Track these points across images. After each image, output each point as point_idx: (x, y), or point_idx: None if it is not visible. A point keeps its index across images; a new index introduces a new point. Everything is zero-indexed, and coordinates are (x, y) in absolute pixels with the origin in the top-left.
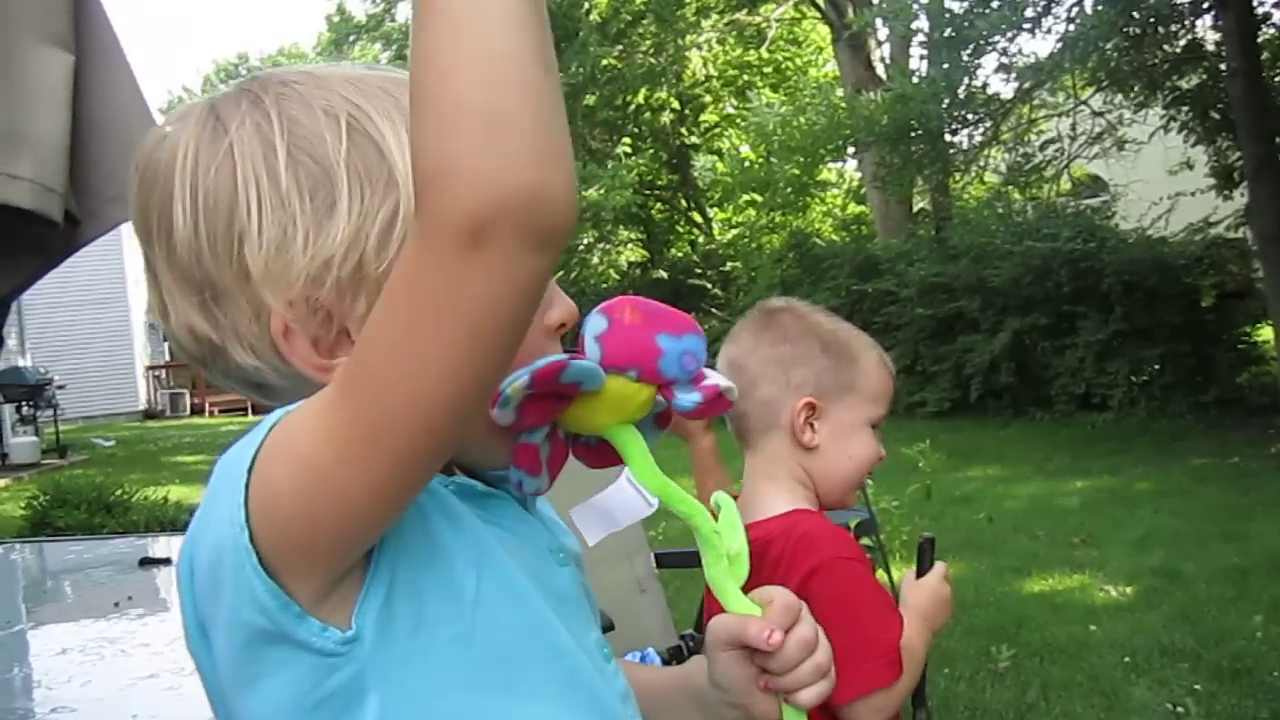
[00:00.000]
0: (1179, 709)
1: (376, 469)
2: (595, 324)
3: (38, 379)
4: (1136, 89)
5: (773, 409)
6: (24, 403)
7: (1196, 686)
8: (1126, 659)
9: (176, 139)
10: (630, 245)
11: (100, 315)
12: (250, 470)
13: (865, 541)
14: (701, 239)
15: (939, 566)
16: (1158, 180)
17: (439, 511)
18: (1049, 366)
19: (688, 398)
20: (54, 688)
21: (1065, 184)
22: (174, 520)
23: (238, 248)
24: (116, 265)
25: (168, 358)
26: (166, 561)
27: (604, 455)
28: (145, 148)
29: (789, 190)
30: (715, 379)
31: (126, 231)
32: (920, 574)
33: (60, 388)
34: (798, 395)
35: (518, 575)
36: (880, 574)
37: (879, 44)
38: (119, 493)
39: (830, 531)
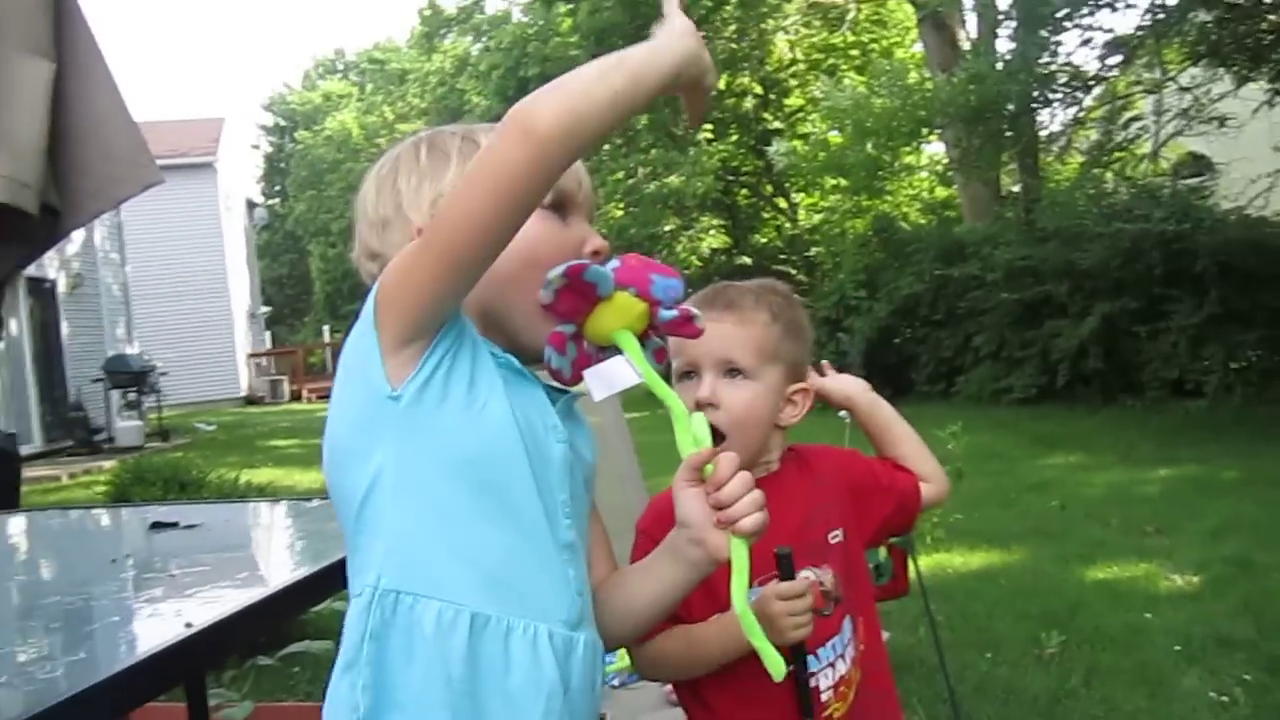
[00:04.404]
0: (1224, 698)
1: (432, 260)
2: (611, 262)
3: (142, 366)
4: (1240, 62)
5: None
6: (129, 389)
7: (1247, 677)
8: (1178, 648)
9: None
10: (713, 232)
11: (203, 306)
12: (384, 273)
13: None
14: (787, 225)
15: (786, 585)
16: (1264, 157)
17: (478, 356)
18: (1140, 352)
19: (667, 313)
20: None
21: (1163, 163)
22: (243, 498)
23: (395, 196)
24: (218, 258)
25: (268, 345)
26: (174, 525)
27: None
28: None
29: (863, 174)
30: (688, 308)
31: (227, 226)
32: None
33: (164, 374)
34: None
35: (510, 416)
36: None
37: (963, 23)
38: (195, 473)
39: (655, 503)
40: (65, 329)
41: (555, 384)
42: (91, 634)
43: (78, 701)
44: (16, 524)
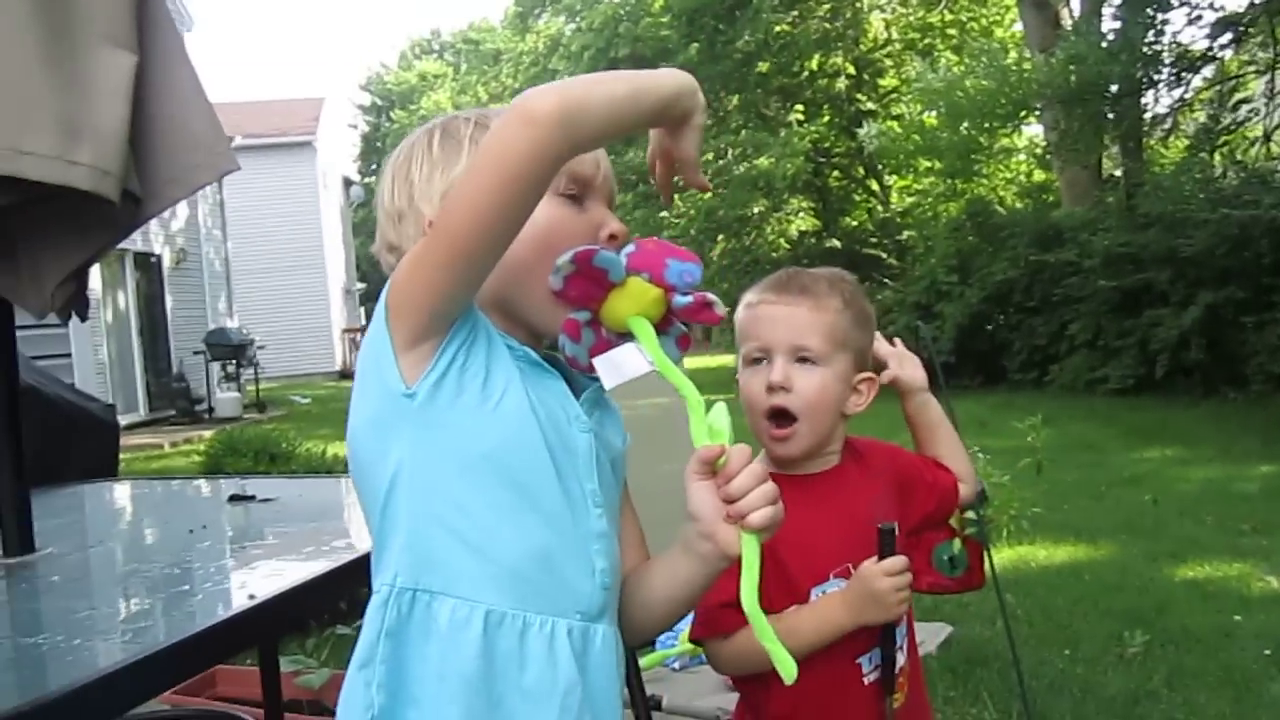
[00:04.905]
0: None
1: (441, 254)
2: (627, 247)
3: (241, 340)
4: None
5: None
6: (229, 361)
7: None
8: (1268, 652)
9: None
10: (802, 214)
11: (300, 281)
12: (394, 271)
13: (970, 515)
14: (879, 208)
15: (891, 561)
16: None
17: (493, 349)
18: (1246, 343)
19: (683, 299)
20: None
21: (1275, 147)
22: (329, 470)
23: (409, 187)
24: (315, 235)
25: (363, 321)
26: (252, 498)
27: None
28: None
29: (958, 157)
30: (705, 294)
31: (324, 203)
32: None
33: (261, 348)
34: None
35: (528, 408)
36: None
37: (1066, 1)
38: (284, 445)
39: None
40: (169, 302)
41: (580, 372)
42: (165, 600)
43: (147, 662)
44: (111, 492)
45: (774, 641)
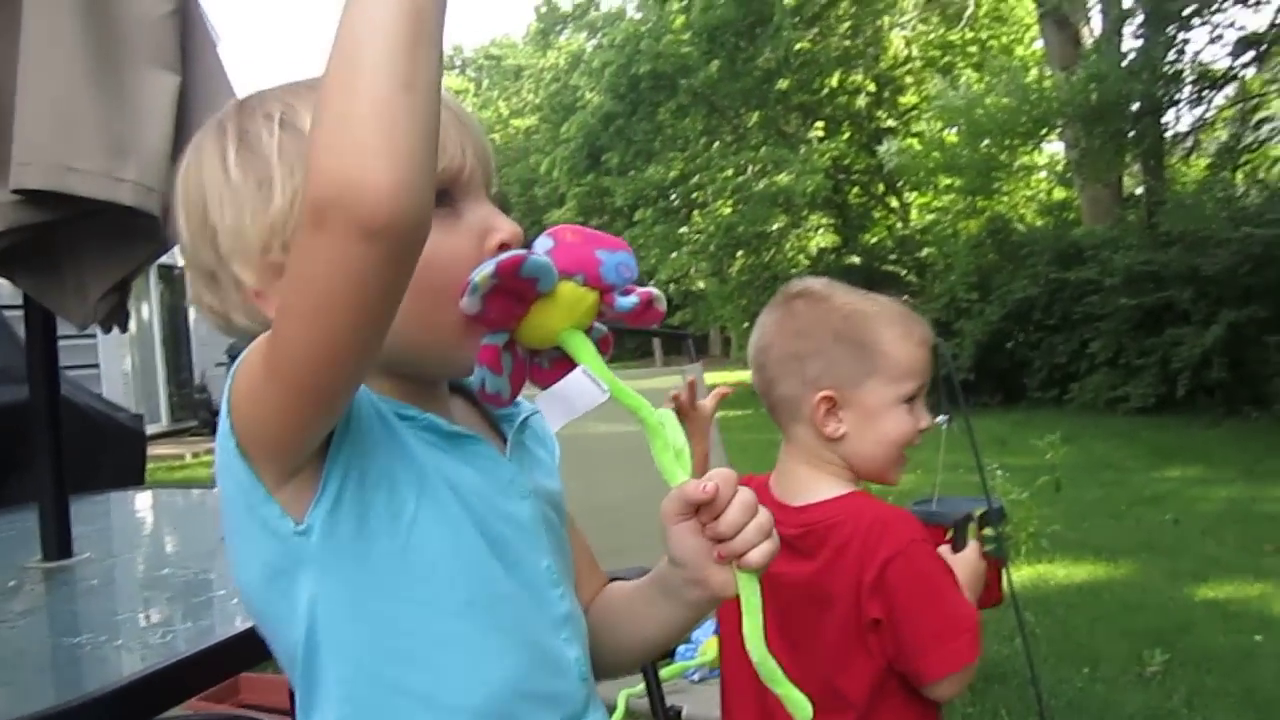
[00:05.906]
0: None
1: (281, 388)
2: (542, 244)
3: None
4: None
5: (794, 405)
6: None
7: None
8: None
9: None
10: (823, 230)
11: None
12: (233, 380)
13: (988, 532)
14: (898, 224)
15: (974, 543)
16: None
17: (390, 441)
18: (1269, 363)
19: (626, 300)
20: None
21: None
22: None
23: (211, 237)
24: None
25: None
26: None
27: (556, 374)
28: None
29: (978, 174)
30: (648, 289)
31: None
32: (955, 550)
33: None
34: (814, 390)
35: (453, 505)
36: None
37: (1087, 20)
38: None
39: (898, 514)
40: (192, 314)
41: (492, 406)
42: (200, 605)
43: (185, 664)
44: (140, 500)
45: (786, 685)
